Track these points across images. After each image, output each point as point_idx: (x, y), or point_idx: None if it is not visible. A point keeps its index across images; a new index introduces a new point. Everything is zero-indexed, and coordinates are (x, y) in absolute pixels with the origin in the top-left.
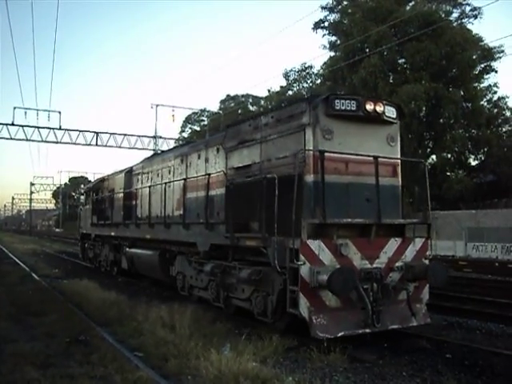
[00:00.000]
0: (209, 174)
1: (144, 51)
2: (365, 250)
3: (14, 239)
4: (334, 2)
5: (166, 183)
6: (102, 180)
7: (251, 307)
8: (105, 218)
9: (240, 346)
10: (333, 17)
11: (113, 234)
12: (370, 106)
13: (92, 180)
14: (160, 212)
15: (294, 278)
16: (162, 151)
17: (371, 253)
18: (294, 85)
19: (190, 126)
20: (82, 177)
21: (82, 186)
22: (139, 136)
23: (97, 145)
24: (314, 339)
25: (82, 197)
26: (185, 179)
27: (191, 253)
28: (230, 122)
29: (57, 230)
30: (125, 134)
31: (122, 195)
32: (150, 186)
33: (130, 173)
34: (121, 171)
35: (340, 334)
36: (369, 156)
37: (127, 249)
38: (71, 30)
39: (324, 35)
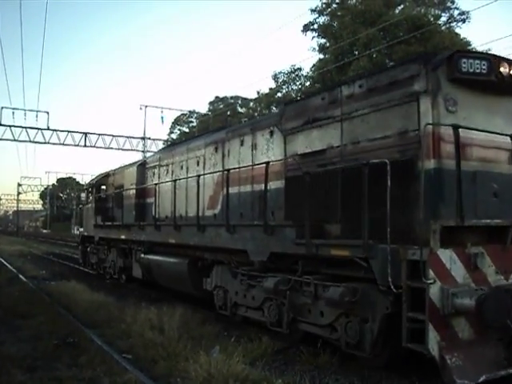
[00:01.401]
0: (266, 163)
1: (132, 52)
2: (499, 261)
3: (0, 240)
4: (324, 5)
5: (198, 176)
6: (107, 175)
7: (335, 336)
8: (111, 218)
9: (229, 348)
10: (322, 19)
11: (122, 237)
12: (504, 69)
13: (80, 181)
14: (185, 212)
15: (413, 300)
16: (184, 140)
17: (507, 264)
18: (283, 87)
19: (178, 127)
20: (69, 178)
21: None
22: (128, 137)
23: (85, 146)
24: (303, 341)
25: (83, 194)
26: (226, 171)
27: (236, 262)
28: (287, 100)
29: (44, 231)
30: (113, 135)
31: (133, 192)
32: (174, 181)
33: (143, 166)
34: (131, 164)
35: (482, 379)
36: (507, 135)
37: (142, 255)
38: (59, 29)
39: (313, 37)
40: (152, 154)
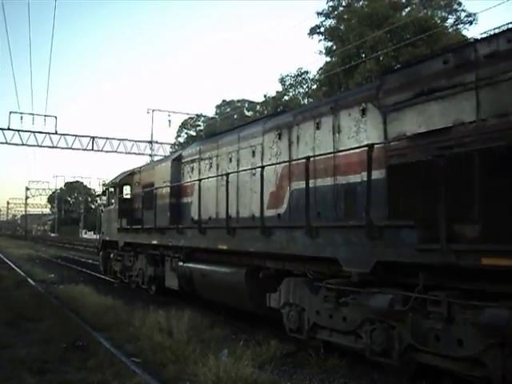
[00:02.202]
0: (370, 146)
1: (140, 56)
2: None
3: (9, 244)
4: (330, 8)
5: (261, 167)
6: (132, 173)
7: (479, 373)
8: (139, 221)
9: (238, 352)
10: (329, 22)
11: (154, 242)
12: None
13: (88, 185)
14: (236, 212)
15: None
16: (233, 128)
17: None
18: (290, 90)
19: (186, 131)
20: (77, 182)
21: (104, 182)
22: (135, 141)
23: (93, 149)
24: (311, 344)
25: (103, 197)
26: (300, 160)
27: (314, 273)
28: (386, 67)
29: (52, 234)
30: (121, 139)
31: (167, 191)
32: (227, 174)
33: (178, 161)
34: (163, 159)
35: None
36: None
37: (181, 263)
38: (68, 34)
39: (320, 41)
40: (189, 146)
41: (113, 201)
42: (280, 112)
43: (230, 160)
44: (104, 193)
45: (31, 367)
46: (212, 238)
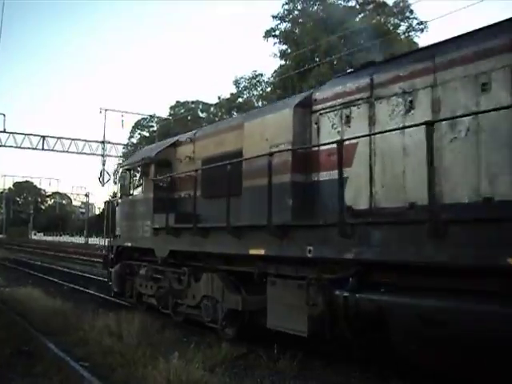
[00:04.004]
0: None
1: (93, 55)
2: None
3: None
4: (285, 12)
5: None
6: (175, 144)
7: None
8: (189, 217)
9: (189, 354)
10: (284, 26)
11: (257, 252)
12: None
13: (38, 185)
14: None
15: None
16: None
17: None
18: (244, 92)
19: (139, 131)
20: (27, 181)
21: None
22: (87, 141)
23: (43, 149)
24: (263, 346)
25: (115, 186)
26: None
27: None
28: None
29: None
30: (72, 139)
31: (284, 160)
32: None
33: (305, 108)
34: (264, 110)
35: None
36: None
37: (348, 293)
38: (16, 29)
39: (275, 44)
40: (329, 83)
41: (139, 188)
42: None
43: (417, 103)
44: (121, 177)
45: None
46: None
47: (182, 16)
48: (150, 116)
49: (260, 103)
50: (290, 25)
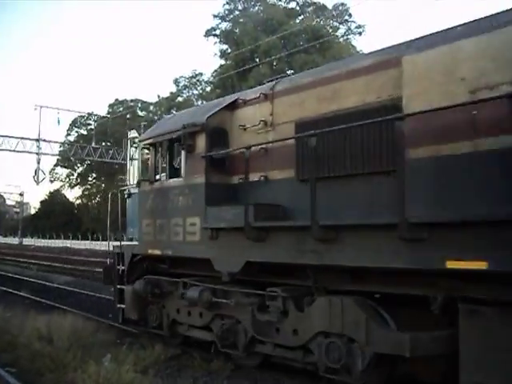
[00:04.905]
0: None
1: (27, 49)
2: None
3: None
4: (226, 11)
5: None
6: (233, 105)
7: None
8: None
9: (121, 356)
10: (224, 25)
11: (484, 266)
12: None
13: None
14: None
15: None
16: None
17: None
18: (184, 91)
19: (76, 129)
20: None
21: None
22: (21, 138)
23: None
24: (196, 347)
25: (132, 166)
26: None
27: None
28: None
29: None
30: (5, 136)
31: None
32: None
33: None
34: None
35: None
36: None
37: None
38: None
39: (215, 43)
40: None
41: (168, 170)
42: None
43: None
44: (135, 158)
45: None
46: None
47: (122, 12)
48: (88, 114)
49: (199, 102)
50: (230, 24)
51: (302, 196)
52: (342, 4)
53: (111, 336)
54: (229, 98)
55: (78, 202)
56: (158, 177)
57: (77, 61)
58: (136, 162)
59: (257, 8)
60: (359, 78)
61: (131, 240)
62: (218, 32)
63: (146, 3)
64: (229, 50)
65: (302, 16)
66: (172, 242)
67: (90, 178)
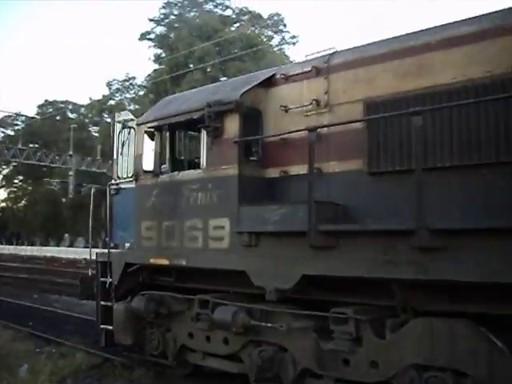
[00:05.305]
0: None
1: None
2: None
3: None
4: (162, 16)
5: None
6: (270, 82)
7: None
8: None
9: (38, 366)
10: (160, 30)
11: None
12: None
13: None
14: None
15: None
16: None
17: None
18: (117, 94)
19: (2, 129)
20: None
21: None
22: None
23: None
24: (119, 355)
25: (121, 156)
26: None
27: None
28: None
29: None
30: None
31: None
32: None
33: None
34: None
35: None
36: None
37: None
38: None
39: (150, 47)
40: None
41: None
42: None
43: None
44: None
45: None
46: None
47: (54, 9)
48: (16, 114)
49: (132, 107)
50: (165, 29)
51: (375, 193)
52: (277, 14)
53: (29, 345)
54: (263, 73)
55: (3, 205)
56: (164, 168)
57: (3, 58)
58: (130, 149)
59: (192, 14)
60: (458, 49)
61: (116, 247)
62: (152, 36)
63: (80, 2)
64: (163, 55)
65: (238, 24)
66: (186, 249)
67: (16, 181)
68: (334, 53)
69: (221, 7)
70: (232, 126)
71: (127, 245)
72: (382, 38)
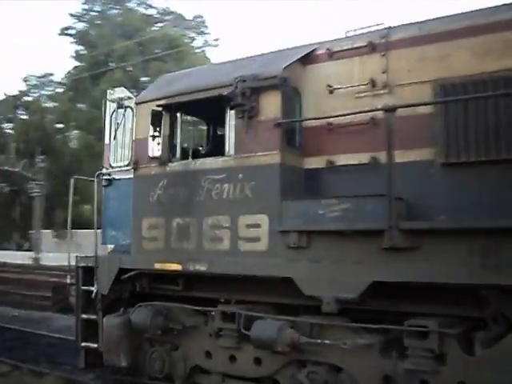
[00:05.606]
0: None
1: None
2: None
3: None
4: (83, 11)
5: None
6: (309, 58)
7: None
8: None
9: None
10: (81, 26)
11: None
12: None
13: None
14: None
15: None
16: None
17: None
18: (34, 91)
19: None
20: None
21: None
22: None
23: None
24: (28, 362)
25: (115, 140)
26: None
27: None
28: None
29: None
30: None
31: None
32: None
33: None
34: None
35: None
36: None
37: None
38: None
39: (71, 43)
40: None
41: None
42: None
43: None
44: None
45: None
46: None
47: None
48: None
49: (51, 104)
50: (86, 25)
51: (451, 186)
52: (199, 16)
53: None
54: (303, 48)
55: None
56: (176, 155)
57: None
58: (126, 133)
59: (115, 11)
60: None
61: (109, 249)
62: (73, 32)
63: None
64: (84, 52)
65: (161, 24)
66: (207, 251)
67: None
68: (391, 27)
69: (144, 6)
70: (271, 105)
71: (110, 246)
72: (456, 13)
